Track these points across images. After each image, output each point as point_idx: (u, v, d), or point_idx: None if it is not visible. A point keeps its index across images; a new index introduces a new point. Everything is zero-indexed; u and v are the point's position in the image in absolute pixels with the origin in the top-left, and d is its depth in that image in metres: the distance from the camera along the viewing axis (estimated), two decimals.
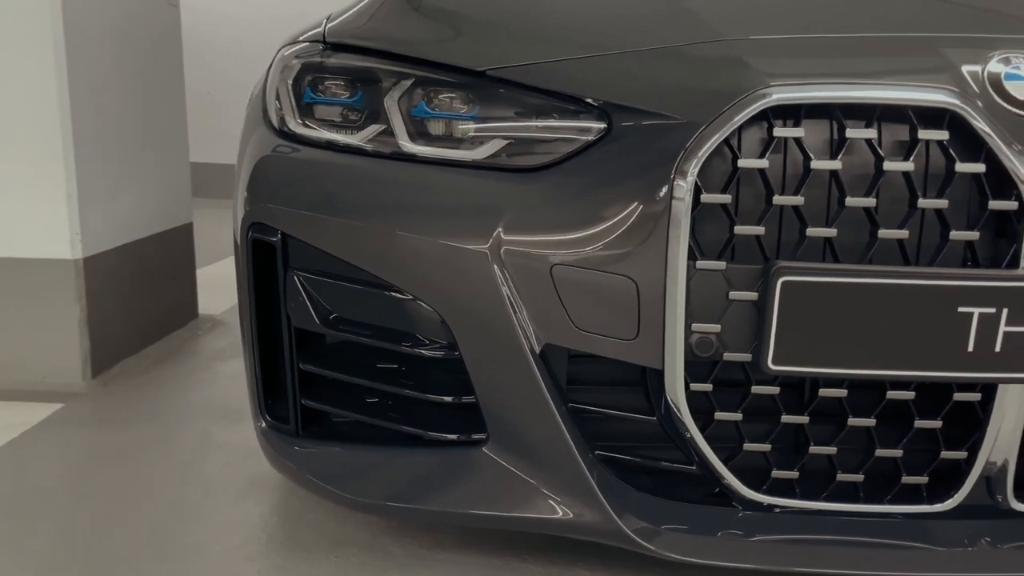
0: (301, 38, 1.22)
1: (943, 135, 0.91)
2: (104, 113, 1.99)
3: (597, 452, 1.07)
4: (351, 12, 1.26)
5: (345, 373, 1.14)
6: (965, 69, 0.94)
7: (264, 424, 1.20)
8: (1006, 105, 0.92)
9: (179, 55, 2.38)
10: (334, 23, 1.22)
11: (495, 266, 0.99)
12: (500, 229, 0.99)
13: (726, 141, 0.93)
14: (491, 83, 1.06)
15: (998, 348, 0.91)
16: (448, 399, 1.09)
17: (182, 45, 2.40)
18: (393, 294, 1.06)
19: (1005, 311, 0.90)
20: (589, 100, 1.01)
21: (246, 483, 1.47)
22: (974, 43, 0.98)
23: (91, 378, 1.93)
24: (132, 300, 2.10)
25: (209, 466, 1.56)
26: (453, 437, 1.10)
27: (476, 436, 1.09)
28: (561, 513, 1.04)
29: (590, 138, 1.01)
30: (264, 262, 1.14)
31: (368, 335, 1.10)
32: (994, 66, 0.95)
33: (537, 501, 1.05)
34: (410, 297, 1.06)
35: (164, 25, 2.28)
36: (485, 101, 1.06)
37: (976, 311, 0.90)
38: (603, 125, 1.01)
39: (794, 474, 1.01)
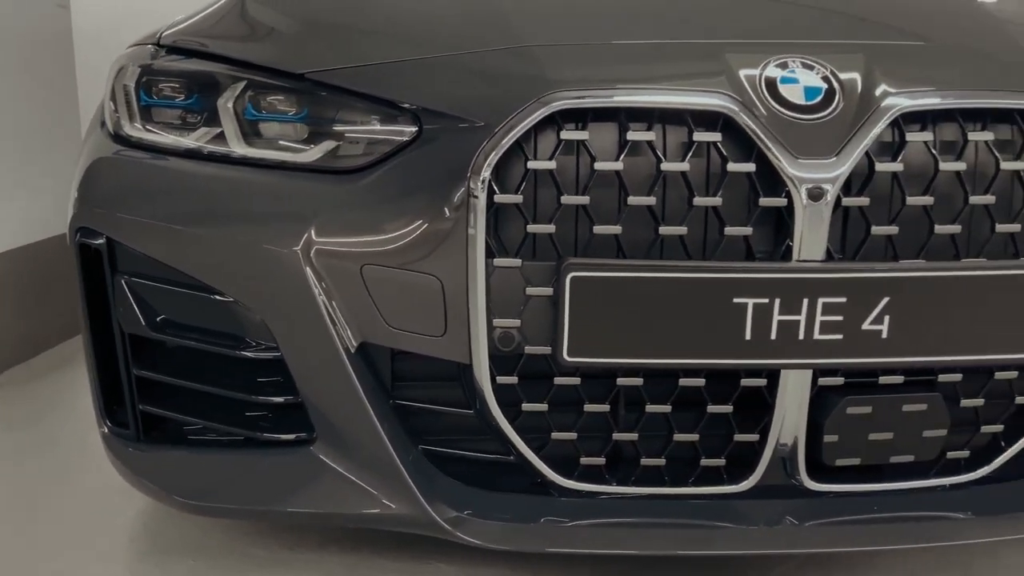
0: (142, 42, 1.23)
1: (716, 137, 0.96)
2: None
3: (424, 447, 1.11)
4: (192, 16, 1.27)
5: (182, 377, 1.15)
6: (744, 74, 1.00)
7: (106, 430, 1.21)
8: (779, 108, 0.98)
9: (70, 58, 2.36)
10: (173, 27, 1.24)
11: (307, 268, 1.02)
12: (312, 230, 1.02)
13: (520, 144, 0.97)
14: (313, 86, 1.09)
15: (773, 336, 0.97)
16: (279, 400, 1.12)
17: (73, 48, 2.38)
18: (216, 297, 1.09)
19: (777, 301, 0.96)
20: (401, 104, 1.05)
21: (118, 490, 1.47)
22: (755, 48, 1.03)
23: None
24: (21, 306, 2.08)
25: (83, 473, 1.56)
26: (285, 437, 1.13)
27: (306, 436, 1.12)
28: (381, 508, 1.07)
29: (402, 140, 1.04)
30: (96, 266, 1.15)
31: (196, 339, 1.12)
32: (771, 70, 1.00)
33: (359, 497, 1.08)
34: (232, 300, 1.08)
35: (52, 28, 2.26)
36: (309, 104, 1.09)
37: (750, 302, 0.96)
38: (414, 129, 1.04)
39: (600, 460, 1.06)
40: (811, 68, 1.01)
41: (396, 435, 1.07)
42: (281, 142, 1.09)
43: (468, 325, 1.00)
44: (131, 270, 1.12)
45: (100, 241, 1.11)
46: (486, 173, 0.96)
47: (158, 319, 1.13)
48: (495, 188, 0.97)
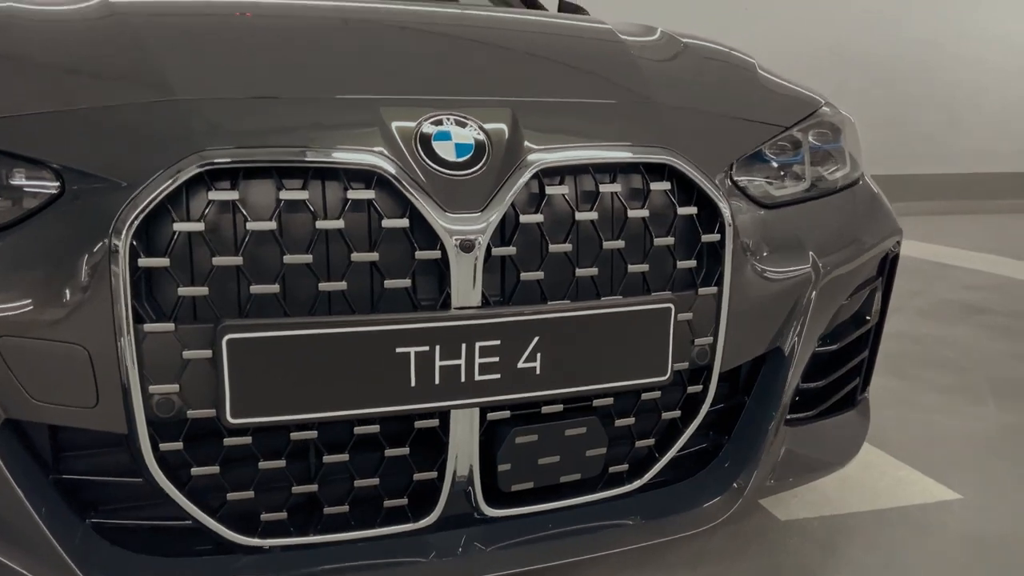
0: None
1: (370, 195, 1.00)
2: None
3: (96, 519, 1.04)
4: None
5: None
6: (399, 131, 1.04)
7: None
8: (431, 164, 1.03)
9: None
10: None
11: None
12: None
13: (167, 204, 0.94)
14: None
15: (437, 381, 1.02)
16: None
17: None
18: None
19: (438, 348, 1.02)
20: (40, 161, 0.97)
21: None
22: (411, 105, 1.08)
23: None
24: None
25: None
26: None
27: None
28: None
29: (41, 201, 0.97)
30: None
31: None
32: (427, 127, 1.06)
33: None
34: None
35: None
36: None
37: (412, 350, 1.01)
38: (55, 188, 0.97)
39: (282, 515, 1.06)
40: (464, 125, 1.07)
41: (56, 512, 0.99)
42: None
43: (123, 394, 0.95)
44: None
45: None
46: (127, 236, 0.92)
47: None
48: (139, 251, 0.93)
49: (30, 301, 0.94)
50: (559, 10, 2.61)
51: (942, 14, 7.14)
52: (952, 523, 1.71)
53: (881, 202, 1.55)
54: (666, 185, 1.12)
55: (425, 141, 1.04)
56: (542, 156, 1.07)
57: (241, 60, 1.15)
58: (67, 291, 0.94)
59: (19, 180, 0.98)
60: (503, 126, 1.08)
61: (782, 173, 1.37)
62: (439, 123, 1.06)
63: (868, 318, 1.50)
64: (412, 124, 1.05)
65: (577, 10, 2.59)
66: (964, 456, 2.04)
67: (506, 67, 1.29)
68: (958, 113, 7.33)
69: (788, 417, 1.37)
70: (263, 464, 1.02)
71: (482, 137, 1.06)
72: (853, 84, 6.90)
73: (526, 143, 1.08)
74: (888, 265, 1.52)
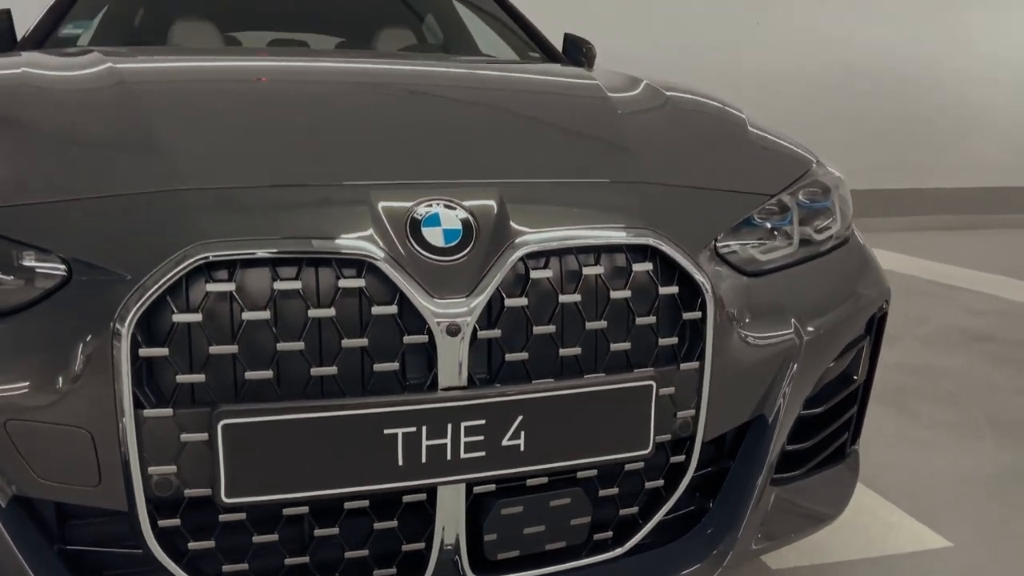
0: None
1: (360, 283, 1.04)
2: None
3: None
4: None
5: None
6: (390, 217, 1.08)
7: None
8: (419, 250, 1.06)
9: None
10: None
11: None
12: None
13: (167, 295, 0.99)
14: None
15: (424, 460, 1.06)
16: None
17: None
18: None
19: (425, 428, 1.06)
20: (46, 250, 1.03)
21: None
22: (402, 188, 1.12)
23: None
24: None
25: None
26: None
27: None
28: None
29: (46, 289, 1.02)
30: None
31: None
32: (418, 212, 1.09)
33: None
34: None
35: None
36: None
37: (400, 431, 1.05)
38: (63, 275, 1.02)
39: None
40: (452, 208, 1.11)
41: None
42: None
43: (123, 474, 1.00)
44: None
45: None
46: (130, 326, 0.97)
47: None
48: (140, 341, 0.98)
49: (37, 386, 0.99)
50: (563, 45, 2.64)
51: (954, 28, 7.12)
52: (941, 574, 1.73)
53: (869, 260, 1.57)
54: (648, 266, 1.15)
55: (414, 227, 1.08)
56: (528, 239, 1.10)
57: (239, 143, 1.20)
58: (72, 377, 0.99)
59: (28, 265, 1.03)
60: (490, 207, 1.12)
61: (774, 233, 1.39)
62: (428, 207, 1.10)
63: (855, 377, 1.52)
64: (402, 209, 1.09)
65: (581, 44, 2.62)
66: (957, 500, 2.06)
67: (495, 143, 1.33)
68: (967, 127, 7.31)
69: (775, 476, 1.40)
70: (257, 538, 1.07)
71: (470, 220, 1.10)
72: (862, 96, 6.90)
73: (512, 225, 1.11)
74: (876, 324, 1.54)
